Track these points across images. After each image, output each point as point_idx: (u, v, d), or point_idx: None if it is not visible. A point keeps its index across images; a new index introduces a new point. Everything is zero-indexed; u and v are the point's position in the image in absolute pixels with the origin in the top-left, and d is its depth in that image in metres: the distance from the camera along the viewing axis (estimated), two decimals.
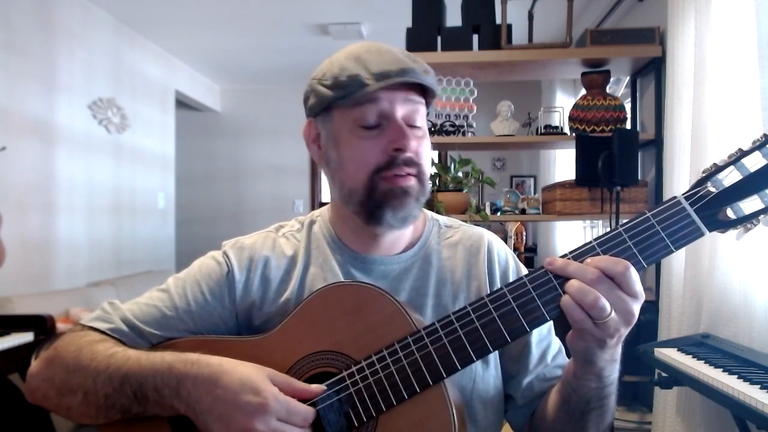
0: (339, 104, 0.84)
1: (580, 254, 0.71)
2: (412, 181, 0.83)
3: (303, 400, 0.74)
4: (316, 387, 0.75)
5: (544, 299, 0.71)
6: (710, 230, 0.70)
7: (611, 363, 0.74)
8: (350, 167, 0.84)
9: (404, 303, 0.79)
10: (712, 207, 0.69)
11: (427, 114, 0.93)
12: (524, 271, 0.94)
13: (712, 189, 0.69)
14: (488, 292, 0.84)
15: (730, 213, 0.69)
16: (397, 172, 0.82)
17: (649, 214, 0.70)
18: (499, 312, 0.72)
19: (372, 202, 0.83)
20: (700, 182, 0.70)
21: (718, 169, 0.70)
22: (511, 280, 0.85)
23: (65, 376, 0.80)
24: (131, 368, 0.77)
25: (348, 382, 0.76)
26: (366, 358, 0.76)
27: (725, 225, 0.70)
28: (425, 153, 0.86)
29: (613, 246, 0.70)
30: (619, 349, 0.73)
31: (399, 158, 0.81)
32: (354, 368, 0.76)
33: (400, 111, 0.83)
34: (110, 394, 0.77)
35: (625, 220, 0.74)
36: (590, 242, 0.71)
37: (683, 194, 0.70)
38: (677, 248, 0.69)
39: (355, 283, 0.81)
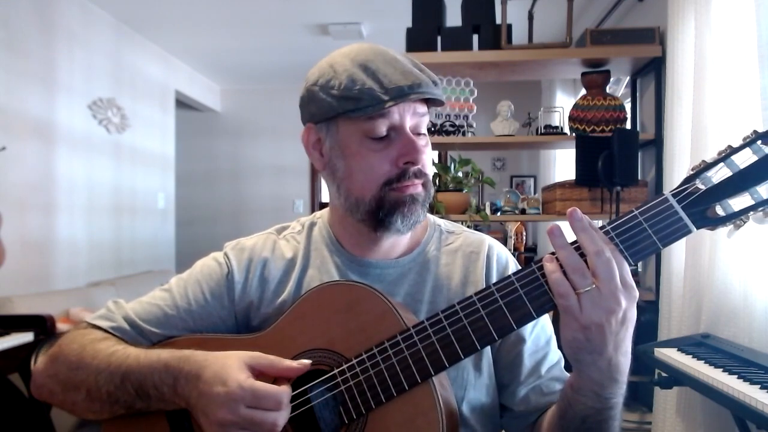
0: (346, 114, 0.81)
1: None
2: (419, 188, 0.84)
3: (291, 380, 0.75)
4: (298, 363, 0.74)
5: (531, 296, 0.71)
6: (698, 227, 0.69)
7: (610, 381, 0.71)
8: (359, 178, 0.84)
9: (395, 302, 0.79)
10: (701, 204, 0.68)
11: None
12: None
13: (701, 186, 0.69)
14: None
15: (719, 210, 0.69)
16: (407, 184, 0.83)
17: (636, 212, 0.69)
18: (486, 310, 0.72)
19: (382, 211, 0.83)
20: (689, 179, 0.69)
21: (707, 166, 0.69)
22: None
23: (69, 373, 0.82)
24: (130, 366, 0.78)
25: (339, 379, 0.77)
26: (357, 356, 0.76)
27: (714, 222, 0.69)
28: (430, 161, 0.87)
29: None
30: (620, 367, 0.70)
31: (410, 171, 0.83)
32: (345, 366, 0.77)
33: (409, 123, 0.83)
34: (112, 391, 0.79)
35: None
36: (575, 241, 0.70)
37: (671, 192, 0.70)
38: (664, 245, 0.69)
39: (348, 282, 0.82)
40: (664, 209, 0.69)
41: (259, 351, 0.81)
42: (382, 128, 0.81)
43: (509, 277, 0.72)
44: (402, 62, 0.83)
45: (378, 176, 0.82)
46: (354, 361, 0.76)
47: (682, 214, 0.68)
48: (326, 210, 0.98)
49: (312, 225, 0.97)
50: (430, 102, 0.86)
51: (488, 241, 0.95)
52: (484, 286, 0.88)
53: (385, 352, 0.75)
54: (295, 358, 0.80)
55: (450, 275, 0.91)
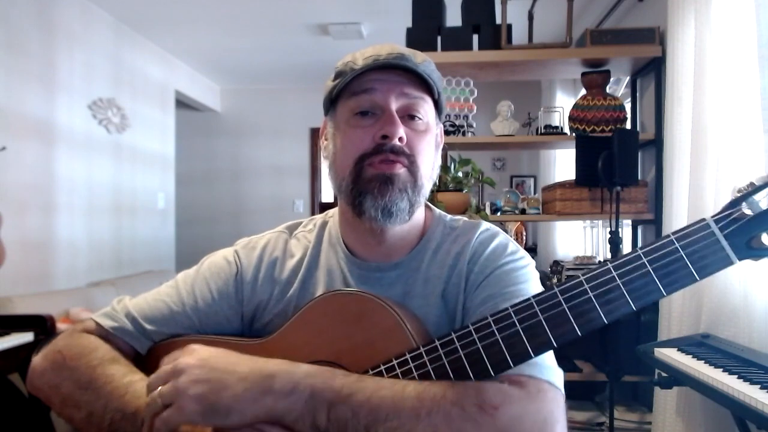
0: (341, 96, 0.85)
1: (594, 276, 0.66)
2: (399, 169, 0.81)
3: None
4: None
5: (551, 323, 0.66)
6: (740, 258, 0.62)
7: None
8: (341, 155, 0.84)
9: (405, 316, 0.76)
10: (746, 232, 0.61)
11: (440, 114, 0.90)
12: (517, 268, 0.84)
13: (748, 212, 0.61)
14: (465, 286, 0.84)
15: (765, 239, 0.61)
16: (383, 158, 0.80)
17: (672, 237, 0.63)
18: (503, 333, 0.68)
19: (356, 189, 0.82)
20: (734, 203, 0.62)
21: (755, 188, 0.62)
22: (479, 278, 0.83)
23: (74, 391, 0.80)
24: None
25: None
26: (363, 372, 0.73)
27: (759, 253, 0.61)
28: (422, 147, 0.84)
29: (630, 270, 0.64)
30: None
31: (386, 145, 0.80)
32: None
33: (395, 103, 0.82)
34: (117, 420, 0.76)
35: (642, 244, 0.67)
36: (605, 264, 0.65)
37: (713, 217, 0.63)
38: (702, 277, 0.62)
39: (355, 292, 0.79)
40: (704, 236, 0.62)
41: (264, 357, 0.79)
42: (364, 104, 0.82)
43: (529, 299, 0.68)
44: (395, 45, 0.84)
45: (356, 151, 0.82)
46: None
47: (724, 243, 0.62)
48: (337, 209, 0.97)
49: (324, 224, 0.96)
50: (432, 92, 0.85)
51: (479, 228, 0.90)
52: (466, 278, 0.84)
53: (392, 371, 0.72)
54: None
55: (442, 264, 0.87)
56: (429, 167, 0.86)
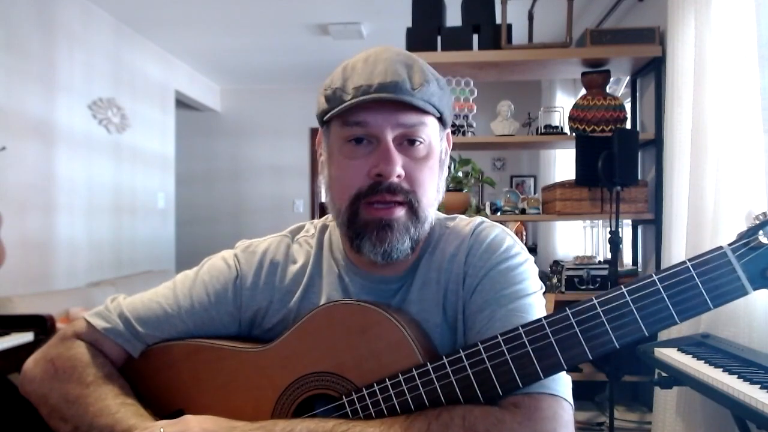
0: (333, 120, 0.79)
1: (607, 300, 0.65)
2: (397, 213, 0.77)
3: None
4: None
5: (562, 345, 0.66)
6: (755, 288, 0.61)
7: None
8: (337, 186, 0.80)
9: (410, 329, 0.75)
10: (762, 261, 0.61)
11: (445, 127, 0.84)
12: (513, 266, 0.81)
13: (764, 240, 0.61)
14: (462, 292, 0.81)
15: None
16: (379, 199, 0.76)
17: (688, 264, 0.63)
18: (512, 354, 0.67)
19: (353, 228, 0.78)
20: (751, 232, 0.62)
21: None
22: (472, 290, 0.80)
23: (62, 404, 0.79)
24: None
25: (348, 409, 0.73)
26: (368, 386, 0.72)
27: None
28: (423, 176, 0.78)
29: (645, 296, 0.63)
30: None
31: (382, 185, 0.75)
32: (355, 395, 0.73)
33: (391, 134, 0.76)
34: None
35: (660, 269, 0.65)
36: (620, 289, 0.65)
37: (729, 245, 0.62)
38: (716, 306, 0.62)
39: (360, 303, 0.77)
40: (720, 264, 0.62)
41: (264, 367, 0.78)
42: (356, 135, 0.76)
43: (540, 320, 0.68)
44: (389, 62, 0.76)
45: (351, 187, 0.77)
46: (365, 392, 0.72)
47: (741, 272, 0.61)
48: None
49: (324, 228, 0.92)
50: (426, 112, 0.77)
51: (474, 223, 0.86)
52: (463, 281, 0.82)
53: (399, 387, 0.70)
54: (300, 379, 0.77)
55: (438, 268, 0.84)
56: (433, 193, 0.81)
